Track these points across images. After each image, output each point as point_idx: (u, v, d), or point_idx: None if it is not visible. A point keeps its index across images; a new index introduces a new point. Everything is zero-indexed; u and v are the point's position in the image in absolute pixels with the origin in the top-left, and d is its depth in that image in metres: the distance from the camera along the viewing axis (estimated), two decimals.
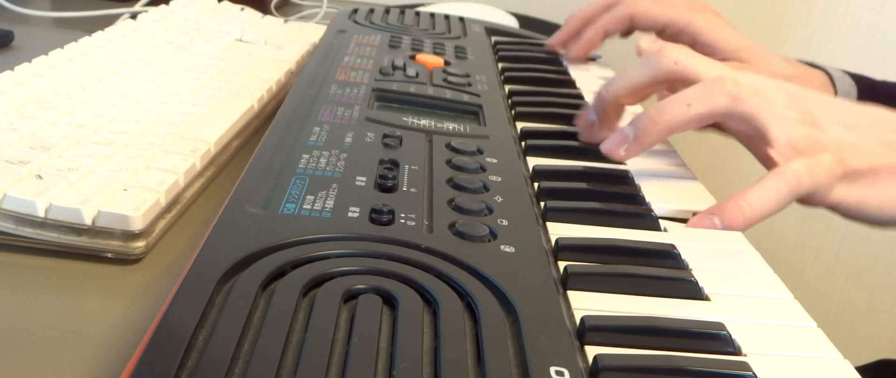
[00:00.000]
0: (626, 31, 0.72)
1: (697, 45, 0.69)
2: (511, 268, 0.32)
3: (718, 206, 0.41)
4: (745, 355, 0.29)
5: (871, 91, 0.74)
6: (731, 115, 0.42)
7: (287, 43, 0.74)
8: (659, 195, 0.43)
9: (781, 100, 0.45)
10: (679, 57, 0.45)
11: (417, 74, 0.58)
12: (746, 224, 0.41)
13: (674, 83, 0.46)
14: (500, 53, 0.73)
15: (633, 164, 0.47)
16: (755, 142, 0.43)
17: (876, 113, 0.46)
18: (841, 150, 0.43)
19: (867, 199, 0.44)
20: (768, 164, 0.43)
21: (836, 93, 0.73)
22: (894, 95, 0.76)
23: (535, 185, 0.43)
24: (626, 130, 0.44)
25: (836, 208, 0.44)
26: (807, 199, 0.43)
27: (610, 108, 0.48)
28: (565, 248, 0.36)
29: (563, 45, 0.74)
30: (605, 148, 0.44)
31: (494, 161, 0.44)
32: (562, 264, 0.34)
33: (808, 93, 0.46)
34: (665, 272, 0.34)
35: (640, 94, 0.47)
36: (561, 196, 0.41)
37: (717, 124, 0.49)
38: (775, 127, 0.42)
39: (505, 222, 0.36)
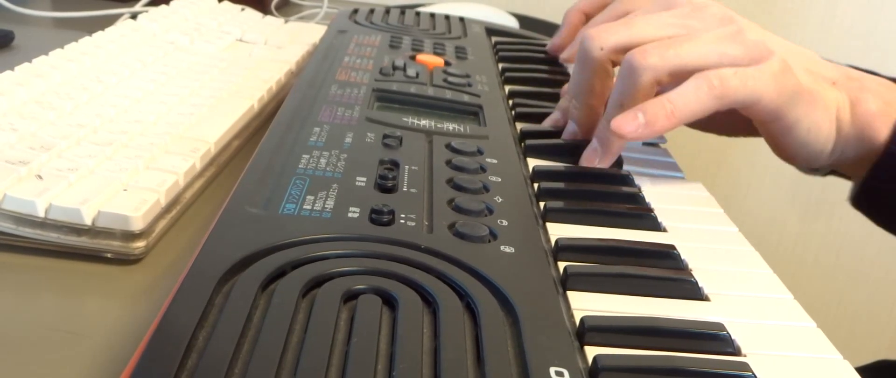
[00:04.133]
0: None
1: None
2: (511, 268, 0.32)
3: (642, 104, 0.42)
4: (745, 355, 0.29)
5: None
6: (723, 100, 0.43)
7: (287, 43, 0.74)
8: (661, 199, 0.43)
9: (716, 21, 0.45)
10: (604, 41, 0.45)
11: (418, 75, 0.58)
12: (668, 122, 0.41)
13: (664, 84, 0.45)
14: (501, 54, 0.73)
15: (634, 169, 0.47)
16: None
17: (795, 45, 0.47)
18: (784, 63, 0.43)
19: (802, 119, 0.44)
20: None
21: None
22: None
23: (535, 185, 0.43)
24: (638, 115, 0.43)
25: (773, 124, 0.44)
26: (748, 111, 0.43)
27: (615, 141, 0.45)
28: (565, 249, 0.36)
29: (563, 48, 0.73)
30: (614, 125, 0.43)
31: (494, 161, 0.44)
32: (561, 265, 0.34)
33: (735, 14, 0.47)
34: (665, 272, 0.34)
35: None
36: (561, 196, 0.41)
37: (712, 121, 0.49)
38: (708, 57, 0.43)
39: (505, 223, 0.36)
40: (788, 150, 0.46)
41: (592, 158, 0.45)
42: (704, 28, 0.45)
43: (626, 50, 0.44)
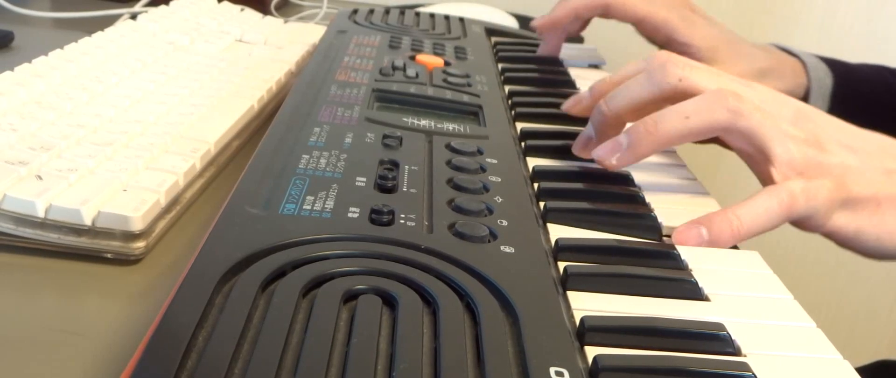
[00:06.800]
0: (601, 16, 0.70)
1: (673, 43, 0.68)
2: (511, 268, 0.32)
3: (707, 217, 0.40)
4: (745, 356, 0.29)
5: (848, 75, 0.73)
6: (731, 130, 0.41)
7: (287, 43, 0.74)
8: (669, 212, 0.42)
9: (788, 117, 0.43)
10: (683, 72, 0.43)
11: (417, 75, 0.58)
12: (733, 239, 0.39)
13: (678, 100, 0.44)
14: (500, 54, 0.73)
15: (642, 179, 0.46)
16: (755, 159, 0.42)
17: (881, 140, 0.45)
18: (843, 176, 0.41)
19: (866, 229, 0.42)
20: (767, 182, 0.42)
21: (809, 81, 0.71)
22: (871, 79, 0.75)
23: (535, 185, 0.43)
24: (621, 138, 0.43)
25: (833, 236, 0.43)
26: (802, 224, 0.42)
27: (610, 124, 0.46)
28: (565, 249, 0.36)
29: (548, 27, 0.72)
30: (596, 154, 0.43)
31: (494, 161, 0.44)
32: (562, 265, 0.34)
33: (815, 112, 0.45)
34: (665, 272, 0.34)
35: (642, 110, 0.45)
36: (561, 196, 0.41)
37: (718, 138, 0.48)
38: (777, 145, 0.41)
39: (505, 223, 0.36)
40: (858, 252, 0.44)
41: (611, 154, 0.43)
42: (783, 114, 0.44)
43: (697, 94, 0.43)
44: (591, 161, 0.47)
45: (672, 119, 0.41)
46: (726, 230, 0.39)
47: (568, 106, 0.51)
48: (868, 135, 0.45)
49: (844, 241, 0.43)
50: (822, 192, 0.41)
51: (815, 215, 0.41)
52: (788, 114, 0.44)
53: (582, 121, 0.52)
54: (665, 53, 0.45)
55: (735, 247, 0.40)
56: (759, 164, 0.42)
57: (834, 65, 0.73)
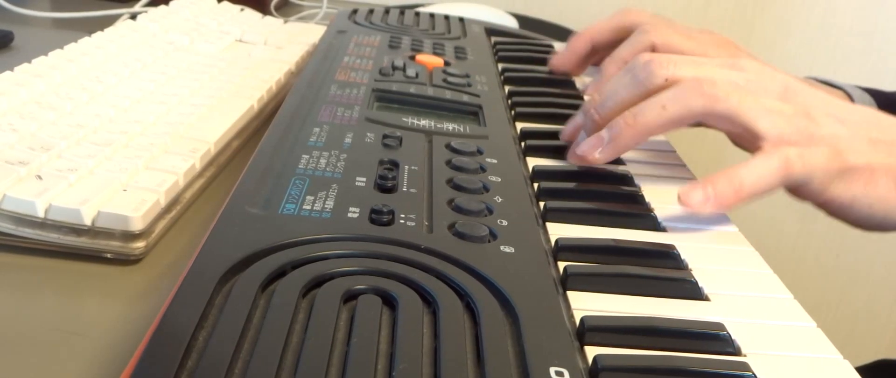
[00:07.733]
0: None
1: None
2: (511, 268, 0.32)
3: (710, 178, 0.40)
4: (745, 355, 0.29)
5: (892, 103, 0.73)
6: (710, 114, 0.42)
7: (287, 43, 0.74)
8: (669, 212, 0.42)
9: (776, 92, 0.44)
10: (668, 72, 0.44)
11: (417, 75, 0.58)
12: (736, 199, 0.40)
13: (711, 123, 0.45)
14: (500, 54, 0.73)
15: (641, 178, 0.46)
16: (746, 138, 0.43)
17: (864, 111, 0.46)
18: (837, 145, 0.42)
19: (860, 197, 0.43)
20: None
21: None
22: None
23: (535, 185, 0.43)
24: (602, 134, 0.43)
25: (828, 205, 0.43)
26: (799, 190, 0.42)
27: (627, 142, 0.45)
28: (565, 249, 0.36)
29: (569, 69, 0.68)
30: (580, 150, 0.44)
31: (494, 161, 0.44)
32: (562, 265, 0.34)
33: (803, 87, 0.45)
34: (665, 272, 0.34)
35: None
36: (561, 196, 0.41)
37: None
38: (761, 120, 0.41)
39: (505, 223, 0.36)
40: (850, 222, 0.45)
41: (593, 149, 0.44)
42: (772, 90, 0.44)
43: None
44: None
45: (650, 110, 0.42)
46: (729, 190, 0.40)
47: (566, 135, 0.50)
48: (853, 107, 0.46)
49: (838, 210, 0.44)
50: (818, 159, 0.41)
51: (812, 182, 0.42)
52: (777, 89, 0.44)
53: None
54: (647, 54, 0.45)
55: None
56: (750, 142, 0.42)
57: (875, 94, 0.73)
